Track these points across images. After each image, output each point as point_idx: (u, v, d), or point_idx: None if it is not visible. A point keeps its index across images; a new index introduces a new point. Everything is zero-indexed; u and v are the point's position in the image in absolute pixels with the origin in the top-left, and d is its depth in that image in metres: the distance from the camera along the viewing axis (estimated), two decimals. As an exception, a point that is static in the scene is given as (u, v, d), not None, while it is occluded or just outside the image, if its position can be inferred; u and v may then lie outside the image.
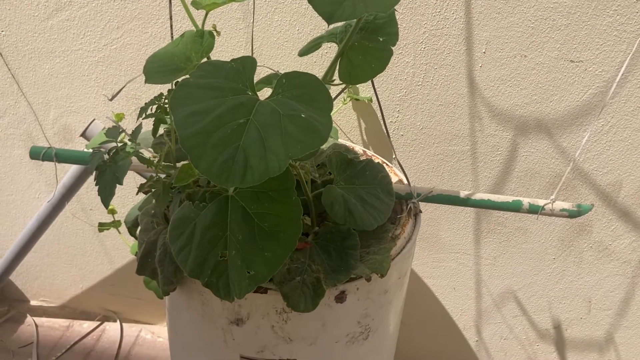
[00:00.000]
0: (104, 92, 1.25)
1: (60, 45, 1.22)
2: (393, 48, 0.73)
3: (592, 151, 1.10)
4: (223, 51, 1.14)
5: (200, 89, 0.66)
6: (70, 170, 1.21)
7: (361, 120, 1.18)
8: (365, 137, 1.20)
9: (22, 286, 1.67)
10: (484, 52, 1.05)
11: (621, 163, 1.10)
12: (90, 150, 1.02)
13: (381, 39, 0.73)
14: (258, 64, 0.70)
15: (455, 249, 1.29)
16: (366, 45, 0.73)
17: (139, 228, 0.89)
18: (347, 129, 1.20)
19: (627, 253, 1.20)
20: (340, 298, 0.79)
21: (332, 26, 0.75)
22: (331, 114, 0.65)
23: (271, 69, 0.87)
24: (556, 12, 0.99)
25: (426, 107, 1.12)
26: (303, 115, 0.64)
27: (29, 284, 1.67)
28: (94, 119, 1.12)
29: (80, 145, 1.34)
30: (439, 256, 1.31)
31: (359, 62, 0.73)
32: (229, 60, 0.70)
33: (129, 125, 1.24)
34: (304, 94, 0.66)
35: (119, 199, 1.39)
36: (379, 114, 1.14)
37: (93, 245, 1.54)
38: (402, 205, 0.95)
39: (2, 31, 1.22)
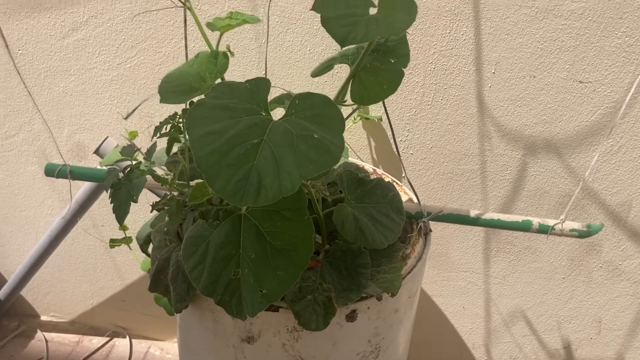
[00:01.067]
0: (118, 109, 1.27)
1: (75, 64, 1.24)
2: (404, 70, 0.74)
3: (602, 171, 1.11)
4: (235, 70, 1.16)
5: (215, 110, 0.67)
6: (83, 187, 1.23)
7: (371, 139, 1.19)
8: (375, 155, 1.21)
9: (33, 301, 1.69)
10: (494, 73, 1.06)
11: (630, 183, 1.10)
12: (104, 167, 1.03)
13: (393, 61, 0.74)
14: (271, 84, 0.71)
15: (464, 267, 1.29)
16: (378, 67, 0.74)
17: (152, 245, 0.90)
18: (357, 148, 1.21)
19: (638, 273, 1.19)
20: (351, 317, 0.79)
21: (344, 48, 0.76)
22: (343, 131, 0.66)
23: (284, 90, 0.88)
24: (565, 34, 1.00)
25: (436, 127, 1.13)
26: (316, 136, 0.65)
27: (39, 300, 1.68)
28: (107, 136, 1.14)
29: (93, 162, 1.36)
30: (448, 275, 1.31)
31: (371, 84, 0.74)
32: (241, 80, 0.71)
33: (141, 142, 1.26)
34: (316, 115, 0.67)
35: (130, 215, 1.39)
36: (389, 133, 1.15)
37: (104, 261, 1.55)
38: (413, 224, 0.95)
39: (19, 50, 1.24)
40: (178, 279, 0.81)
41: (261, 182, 0.62)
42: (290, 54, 1.13)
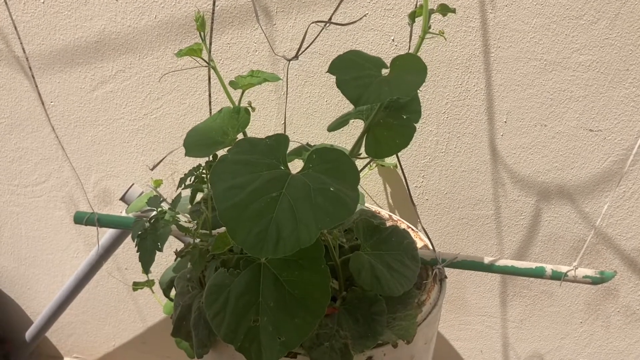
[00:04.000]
0: (143, 158, 1.33)
1: (104, 115, 1.30)
2: (416, 125, 0.77)
3: (615, 216, 1.12)
4: (256, 121, 1.21)
5: (238, 165, 0.71)
6: (109, 232, 1.27)
7: (387, 185, 1.22)
8: (391, 201, 1.24)
9: (57, 343, 1.72)
10: (505, 122, 1.09)
11: (645, 228, 1.12)
12: (130, 215, 1.08)
13: (405, 117, 0.78)
14: (289, 137, 0.75)
15: (481, 311, 1.30)
16: (391, 123, 0.78)
17: (175, 291, 0.93)
18: (373, 193, 1.24)
19: (656, 318, 1.19)
20: (368, 363, 0.81)
21: (358, 104, 0.80)
22: (358, 184, 0.70)
23: (300, 143, 0.92)
24: (574, 84, 1.04)
25: (450, 173, 1.16)
26: (332, 189, 0.68)
27: (63, 341, 1.71)
28: (132, 184, 1.19)
29: (119, 208, 1.40)
30: (465, 319, 1.32)
31: (384, 138, 0.77)
32: (261, 131, 0.75)
33: (165, 188, 1.31)
34: (332, 169, 0.71)
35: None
36: (404, 182, 1.19)
37: (126, 304, 1.58)
38: (428, 271, 0.97)
39: (52, 102, 1.31)
40: (200, 325, 0.84)
41: (280, 234, 0.65)
42: (308, 105, 1.18)
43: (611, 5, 0.96)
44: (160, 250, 0.82)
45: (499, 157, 1.12)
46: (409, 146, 1.15)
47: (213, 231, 0.87)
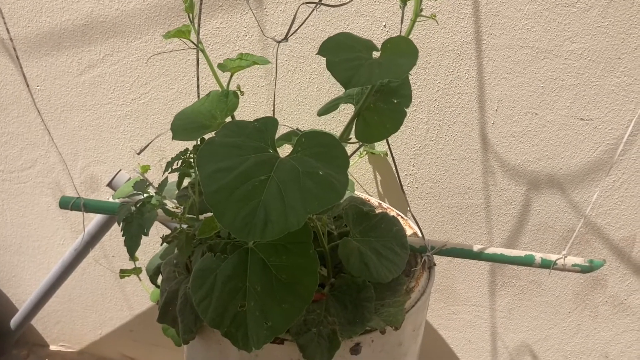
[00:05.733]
0: (131, 144, 1.31)
1: (91, 99, 1.29)
2: (407, 109, 0.76)
3: (605, 206, 1.12)
4: (246, 107, 1.20)
5: (225, 148, 0.70)
6: (95, 219, 1.26)
7: (377, 173, 1.22)
8: (381, 189, 1.23)
9: (43, 331, 1.70)
10: (496, 110, 1.08)
11: (633, 218, 1.12)
12: (117, 200, 1.06)
13: (395, 101, 0.77)
14: (279, 121, 0.74)
15: (470, 301, 1.30)
16: (381, 107, 0.77)
17: (161, 277, 0.92)
18: (363, 181, 1.24)
19: (643, 308, 1.20)
20: (355, 350, 0.80)
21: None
22: (348, 169, 0.69)
23: (291, 127, 0.91)
24: (565, 73, 1.03)
25: (440, 162, 1.16)
26: (321, 173, 0.67)
27: (49, 329, 1.70)
28: (120, 170, 1.17)
29: (106, 194, 1.39)
30: (454, 308, 1.32)
31: (374, 123, 0.77)
32: (251, 117, 0.74)
33: (153, 175, 1.29)
34: (322, 153, 0.70)
35: (140, 246, 1.42)
36: (394, 170, 1.18)
37: (113, 292, 1.57)
38: (417, 258, 0.97)
39: (38, 86, 1.29)
40: (186, 310, 0.83)
41: (268, 218, 0.64)
42: (298, 92, 1.16)
43: (604, -7, 0.96)
44: (146, 234, 0.81)
45: (490, 145, 1.12)
46: (399, 134, 1.15)
47: (200, 216, 0.86)
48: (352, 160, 1.17)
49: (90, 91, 1.28)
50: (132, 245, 0.82)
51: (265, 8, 1.10)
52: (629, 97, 1.02)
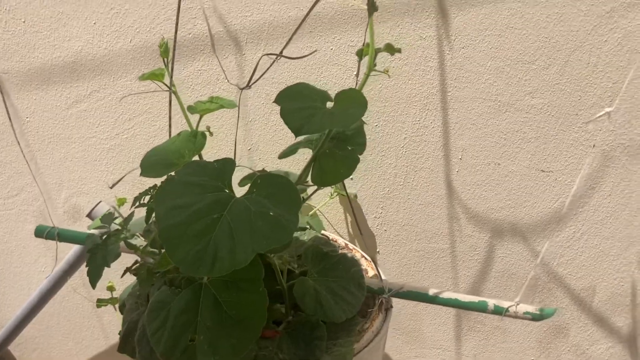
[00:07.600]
0: (113, 176, 1.35)
1: (77, 132, 1.33)
2: (360, 156, 0.81)
3: (566, 256, 1.15)
4: (223, 147, 1.24)
5: (184, 186, 0.74)
6: (74, 248, 1.29)
7: (347, 215, 1.25)
8: (351, 230, 1.27)
9: (20, 357, 1.71)
10: (460, 159, 1.13)
11: (593, 269, 1.14)
12: (91, 231, 1.10)
13: (350, 148, 0.81)
14: (241, 163, 0.79)
15: (437, 344, 1.32)
16: (336, 153, 0.81)
17: (125, 307, 0.95)
18: (334, 222, 1.27)
19: (605, 359, 1.21)
20: (304, 387, 0.82)
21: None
22: (318, 207, 0.72)
23: (251, 169, 0.95)
24: (526, 126, 1.08)
25: (407, 206, 1.20)
26: (272, 213, 0.71)
27: (26, 356, 1.71)
28: (100, 201, 1.21)
29: (86, 224, 1.42)
30: (421, 351, 1.34)
31: (329, 168, 0.81)
32: (226, 157, 0.78)
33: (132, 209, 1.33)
34: (274, 194, 0.74)
35: (118, 277, 1.45)
36: (364, 209, 1.21)
37: (91, 320, 1.59)
38: (375, 300, 0.99)
39: (27, 118, 1.34)
40: (143, 341, 0.85)
41: (217, 254, 0.68)
42: (274, 133, 1.21)
43: (561, 53, 1.01)
44: (108, 266, 0.85)
45: (455, 192, 1.16)
46: (368, 177, 1.19)
47: (162, 250, 0.89)
48: (322, 201, 1.21)
49: (76, 124, 1.33)
50: (94, 277, 0.85)
51: (244, 54, 1.15)
52: (587, 152, 1.06)
